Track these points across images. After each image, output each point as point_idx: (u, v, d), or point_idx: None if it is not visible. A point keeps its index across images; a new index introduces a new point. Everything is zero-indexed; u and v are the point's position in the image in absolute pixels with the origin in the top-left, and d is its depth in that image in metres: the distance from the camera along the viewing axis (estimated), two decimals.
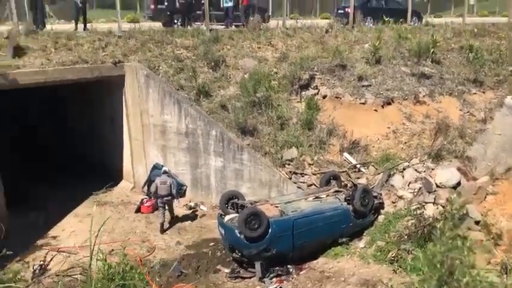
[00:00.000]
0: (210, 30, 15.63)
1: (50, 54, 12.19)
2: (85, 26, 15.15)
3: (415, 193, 10.45)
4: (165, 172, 11.29)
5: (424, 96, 13.85)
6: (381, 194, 10.67)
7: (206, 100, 12.70)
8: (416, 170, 11.03)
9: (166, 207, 11.23)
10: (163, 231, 11.16)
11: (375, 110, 13.14)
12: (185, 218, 11.84)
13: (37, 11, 14.65)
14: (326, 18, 23.61)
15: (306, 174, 11.51)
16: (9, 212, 10.59)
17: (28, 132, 17.21)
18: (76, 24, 15.30)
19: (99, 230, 5.22)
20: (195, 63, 13.55)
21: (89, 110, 15.26)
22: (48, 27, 14.91)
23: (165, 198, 11.06)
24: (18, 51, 11.78)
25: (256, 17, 16.33)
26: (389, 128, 12.86)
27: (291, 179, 11.38)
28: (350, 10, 18.37)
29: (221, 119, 12.28)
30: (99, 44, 13.26)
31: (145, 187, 12.56)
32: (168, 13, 16.81)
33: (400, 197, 10.55)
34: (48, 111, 17.15)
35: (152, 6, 19.85)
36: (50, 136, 17.17)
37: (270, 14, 23.40)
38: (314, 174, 11.55)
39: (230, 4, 17.55)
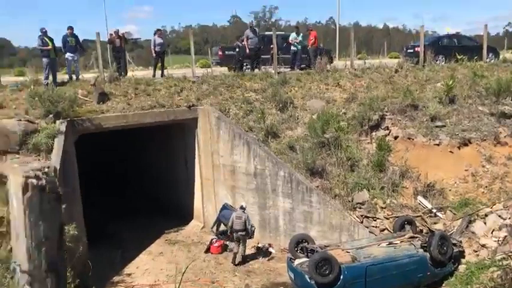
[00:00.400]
0: (278, 73, 16.03)
1: (130, 100, 13.10)
2: (162, 72, 16.19)
3: (499, 242, 9.66)
4: (241, 207, 11.55)
5: (505, 136, 13.01)
6: (460, 242, 9.98)
7: (274, 141, 12.87)
8: (500, 217, 10.24)
9: (241, 243, 11.40)
10: (235, 261, 11.39)
11: (451, 152, 12.53)
12: (254, 259, 11.81)
13: (120, 59, 15.92)
14: (395, 58, 23.38)
15: (378, 218, 11.09)
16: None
17: (103, 172, 18.26)
18: (154, 70, 16.40)
19: (183, 272, 5.30)
20: (263, 105, 13.88)
21: (163, 150, 16.00)
22: (129, 73, 16.11)
23: (240, 233, 11.28)
24: (103, 97, 12.77)
25: (323, 59, 16.50)
26: (467, 170, 12.16)
27: (362, 222, 11.02)
28: (420, 49, 18.03)
29: (289, 159, 12.32)
30: (174, 89, 14.07)
31: (214, 227, 12.74)
32: (240, 58, 17.49)
33: (483, 246, 9.80)
34: (124, 152, 18.18)
35: (220, 53, 20.86)
36: (125, 175, 18.12)
37: (337, 54, 23.57)
38: (387, 219, 11.10)
39: (298, 47, 17.94)
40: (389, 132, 13.23)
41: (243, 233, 11.34)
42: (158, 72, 16.26)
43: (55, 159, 10.09)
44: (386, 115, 13.53)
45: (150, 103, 13.05)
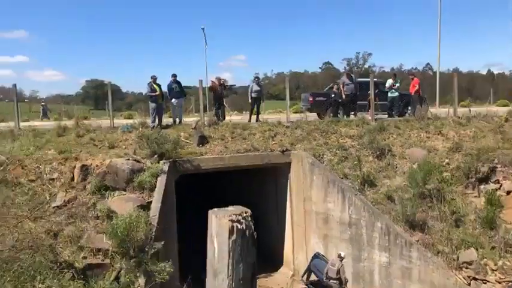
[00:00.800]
0: (375, 119, 15.64)
1: (227, 143, 13.58)
2: (258, 117, 16.66)
3: None
4: (339, 256, 11.08)
5: None
6: None
7: (371, 190, 12.34)
8: None
9: None
10: None
11: None
12: None
13: (219, 105, 16.74)
14: (504, 106, 21.68)
15: (488, 282, 9.91)
16: None
17: (198, 212, 18.74)
18: (250, 115, 16.95)
19: None
20: (359, 152, 13.52)
21: (256, 193, 16.13)
22: (226, 118, 16.82)
23: (332, 281, 10.81)
24: (202, 140, 13.38)
25: (424, 106, 15.84)
26: None
27: (469, 285, 9.92)
28: None
29: (387, 210, 11.68)
30: (269, 133, 14.35)
31: (305, 276, 12.31)
32: (337, 101, 17.40)
33: None
34: (220, 193, 18.65)
35: (310, 99, 20.70)
36: None
37: (437, 101, 22.54)
38: (499, 283, 9.88)
39: (396, 94, 17.47)
40: (501, 186, 12.04)
41: (335, 281, 10.82)
42: (253, 117, 16.75)
43: (157, 197, 10.63)
44: (496, 167, 12.38)
45: (246, 146, 13.38)
